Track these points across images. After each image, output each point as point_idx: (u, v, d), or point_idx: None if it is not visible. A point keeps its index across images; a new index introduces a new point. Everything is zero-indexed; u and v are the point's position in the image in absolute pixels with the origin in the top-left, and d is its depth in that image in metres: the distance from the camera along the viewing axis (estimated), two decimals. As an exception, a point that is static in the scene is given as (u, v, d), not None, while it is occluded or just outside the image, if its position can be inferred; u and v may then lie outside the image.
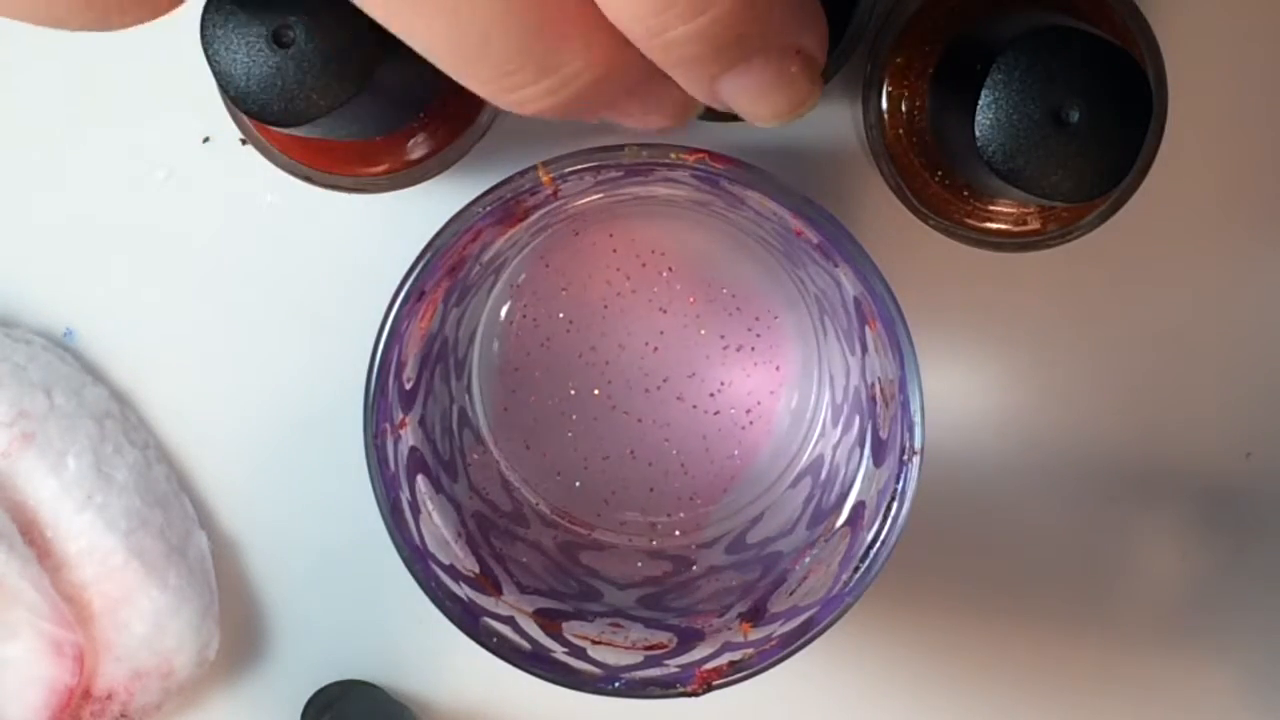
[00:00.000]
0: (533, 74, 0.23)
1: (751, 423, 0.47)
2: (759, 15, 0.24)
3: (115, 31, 0.27)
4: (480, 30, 0.22)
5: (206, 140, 0.48)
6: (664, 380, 0.47)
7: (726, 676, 0.38)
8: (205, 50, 0.37)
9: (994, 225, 0.44)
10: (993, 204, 0.43)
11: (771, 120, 0.27)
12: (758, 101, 0.26)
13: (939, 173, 0.43)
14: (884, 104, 0.43)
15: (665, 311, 0.47)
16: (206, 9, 0.37)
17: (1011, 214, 0.44)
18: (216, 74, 0.37)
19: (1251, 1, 0.47)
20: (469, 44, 0.23)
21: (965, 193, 0.43)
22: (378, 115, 0.40)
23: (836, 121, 0.47)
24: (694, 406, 0.47)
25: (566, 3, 0.23)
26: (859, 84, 0.44)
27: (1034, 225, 0.44)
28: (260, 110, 0.37)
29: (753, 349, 0.47)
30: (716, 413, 0.47)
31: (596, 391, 0.47)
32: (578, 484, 0.47)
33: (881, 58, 0.43)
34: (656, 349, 0.47)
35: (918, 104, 0.43)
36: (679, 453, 0.47)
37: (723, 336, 0.47)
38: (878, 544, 0.38)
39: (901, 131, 0.43)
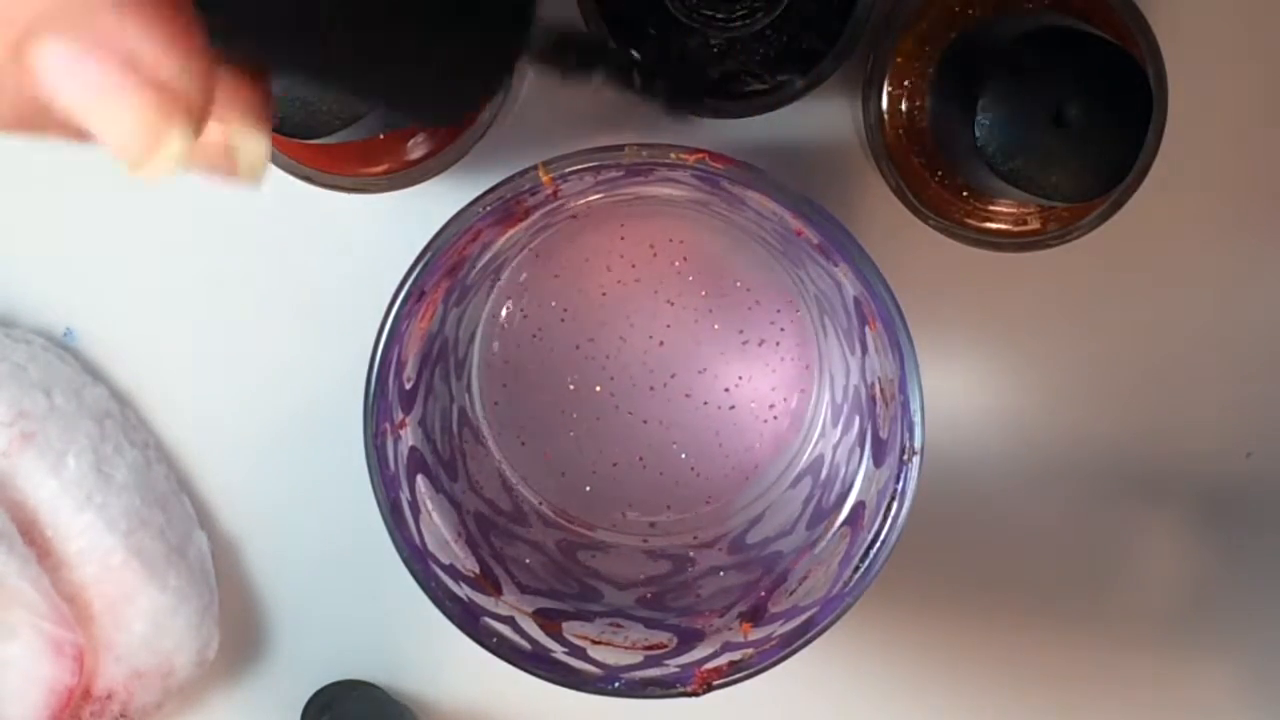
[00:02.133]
0: None
1: (775, 417, 0.47)
2: None
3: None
4: None
5: (206, 140, 0.48)
6: (671, 376, 0.47)
7: (726, 676, 0.38)
8: None
9: (994, 225, 0.44)
10: (993, 204, 0.43)
11: (126, 154, 0.20)
12: (89, 115, 0.20)
13: (939, 173, 0.43)
14: (884, 104, 0.43)
15: (673, 304, 0.46)
16: None
17: (1011, 214, 0.44)
18: None
19: (1251, 2, 0.47)
20: None
21: (965, 193, 0.43)
22: (385, 118, 0.40)
23: (836, 121, 0.47)
24: (705, 402, 0.47)
25: None
26: (859, 84, 0.44)
27: (1034, 225, 0.44)
28: (280, 123, 0.37)
29: (777, 343, 0.47)
30: (733, 407, 0.47)
31: (598, 388, 0.47)
32: (588, 488, 0.47)
33: (881, 58, 0.43)
34: (663, 343, 0.47)
35: (918, 104, 0.43)
36: (688, 455, 0.47)
37: (741, 331, 0.47)
38: (878, 544, 0.38)
39: (901, 131, 0.43)
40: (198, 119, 0.20)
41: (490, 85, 0.27)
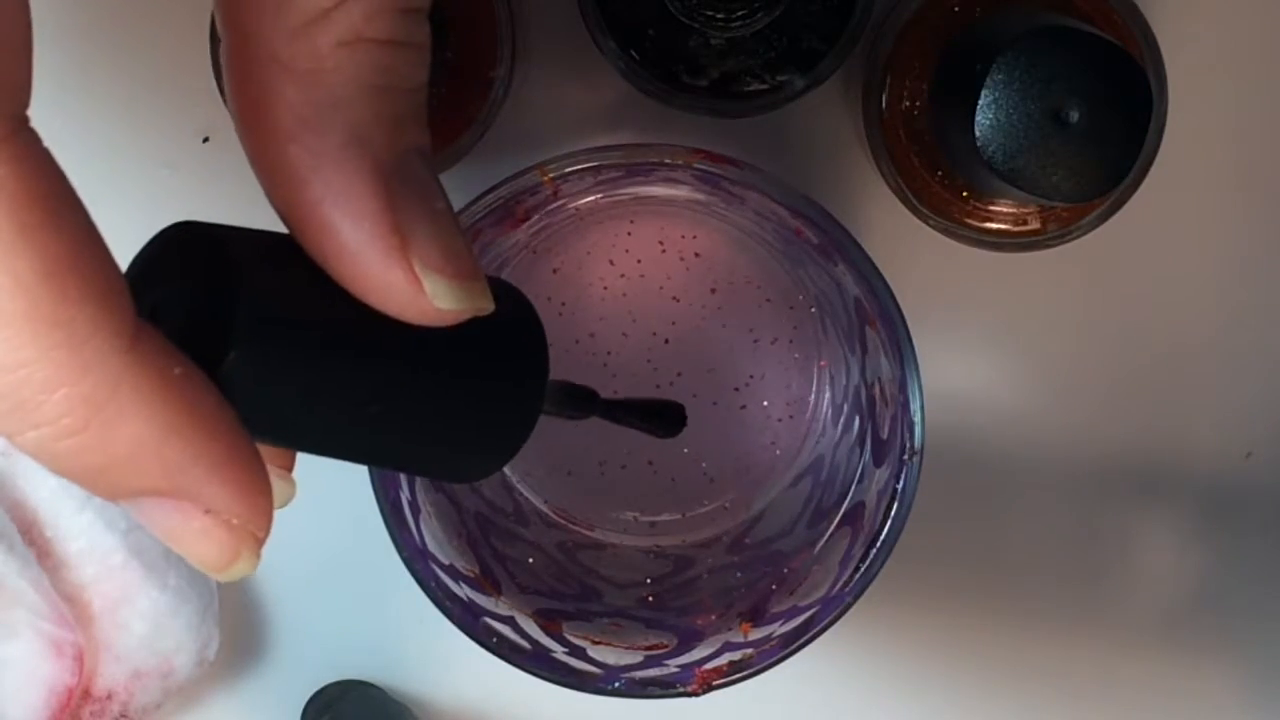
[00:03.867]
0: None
1: (780, 419, 0.47)
2: (119, 454, 0.21)
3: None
4: None
5: (206, 140, 0.48)
6: (677, 375, 0.46)
7: (726, 676, 0.38)
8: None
9: (994, 225, 0.44)
10: (993, 204, 0.43)
11: (205, 569, 0.24)
12: (173, 543, 0.23)
13: (939, 173, 0.43)
14: (884, 104, 0.43)
15: (678, 301, 0.46)
16: None
17: (1011, 214, 0.44)
18: None
19: (1251, 2, 0.47)
20: None
21: (965, 193, 0.43)
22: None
23: (836, 121, 0.47)
24: (714, 403, 0.47)
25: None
26: (859, 84, 0.44)
27: (1034, 225, 0.44)
28: None
29: (790, 341, 0.46)
30: (743, 407, 0.47)
31: (600, 387, 0.47)
32: (589, 488, 0.47)
33: (881, 58, 0.43)
34: (668, 341, 0.46)
35: (918, 104, 0.43)
36: (695, 456, 0.47)
37: (751, 330, 0.46)
38: (878, 544, 0.38)
39: (901, 131, 0.43)
40: (264, 539, 0.25)
41: (511, 447, 0.28)
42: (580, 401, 0.34)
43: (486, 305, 0.25)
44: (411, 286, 0.24)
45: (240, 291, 0.23)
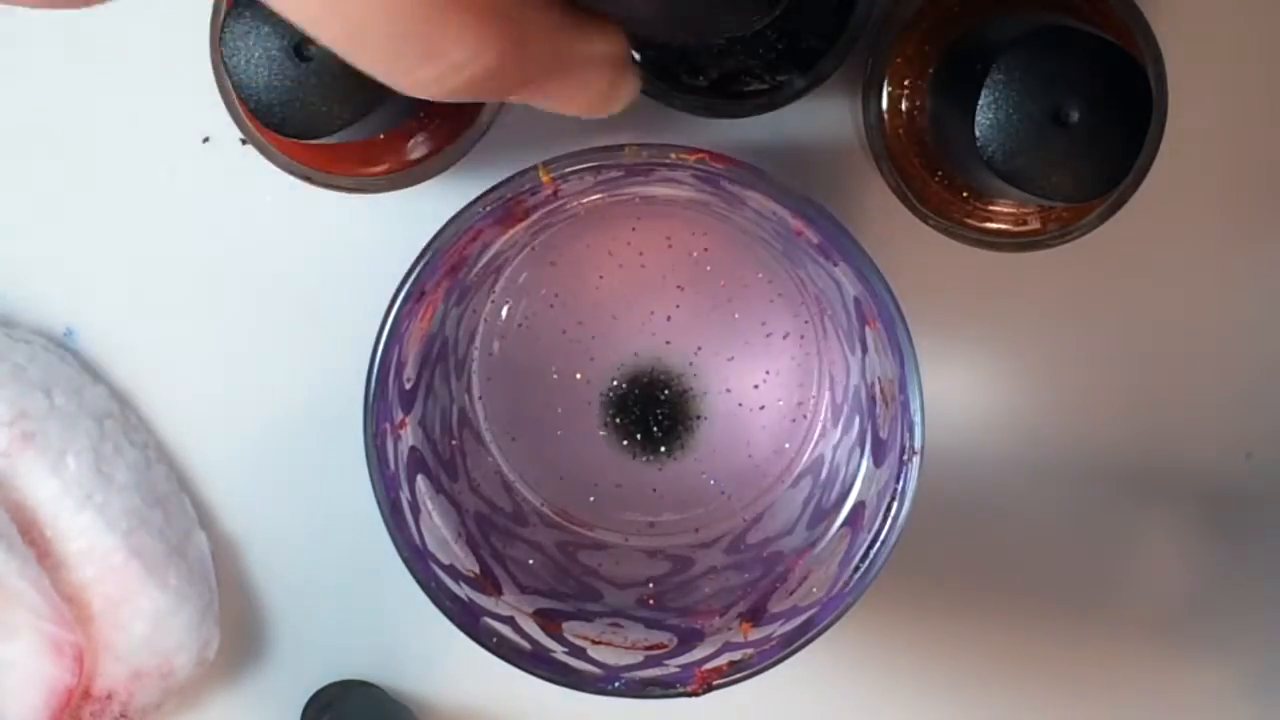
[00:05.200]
0: (416, 60, 0.24)
1: (791, 416, 0.47)
2: (524, 57, 0.24)
3: (82, 9, 0.27)
4: (359, 19, 0.23)
5: (206, 140, 0.48)
6: (678, 374, 0.47)
7: (726, 676, 0.38)
8: (225, 62, 0.37)
9: (994, 225, 0.44)
10: (993, 204, 0.43)
11: (591, 112, 0.27)
12: (568, 104, 0.27)
13: (939, 173, 0.43)
14: (884, 104, 0.43)
15: (681, 298, 0.46)
16: (227, 21, 0.37)
17: (1011, 214, 0.44)
18: (236, 86, 0.37)
19: (1251, 2, 0.47)
20: (349, 32, 0.24)
21: (965, 193, 0.43)
22: (384, 117, 0.40)
23: (837, 121, 0.47)
24: (714, 403, 0.47)
25: None
26: (859, 84, 0.44)
27: (1034, 225, 0.44)
28: (281, 124, 0.37)
29: (790, 341, 0.46)
30: (740, 405, 0.47)
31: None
32: (588, 488, 0.47)
33: (881, 58, 0.43)
34: (669, 342, 0.46)
35: (918, 104, 0.43)
36: (700, 461, 0.47)
37: (764, 323, 0.46)
38: (878, 544, 0.38)
39: (901, 131, 0.43)
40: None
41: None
42: None
43: None
44: None
45: None
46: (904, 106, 0.43)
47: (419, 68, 0.24)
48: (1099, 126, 0.38)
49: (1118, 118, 0.38)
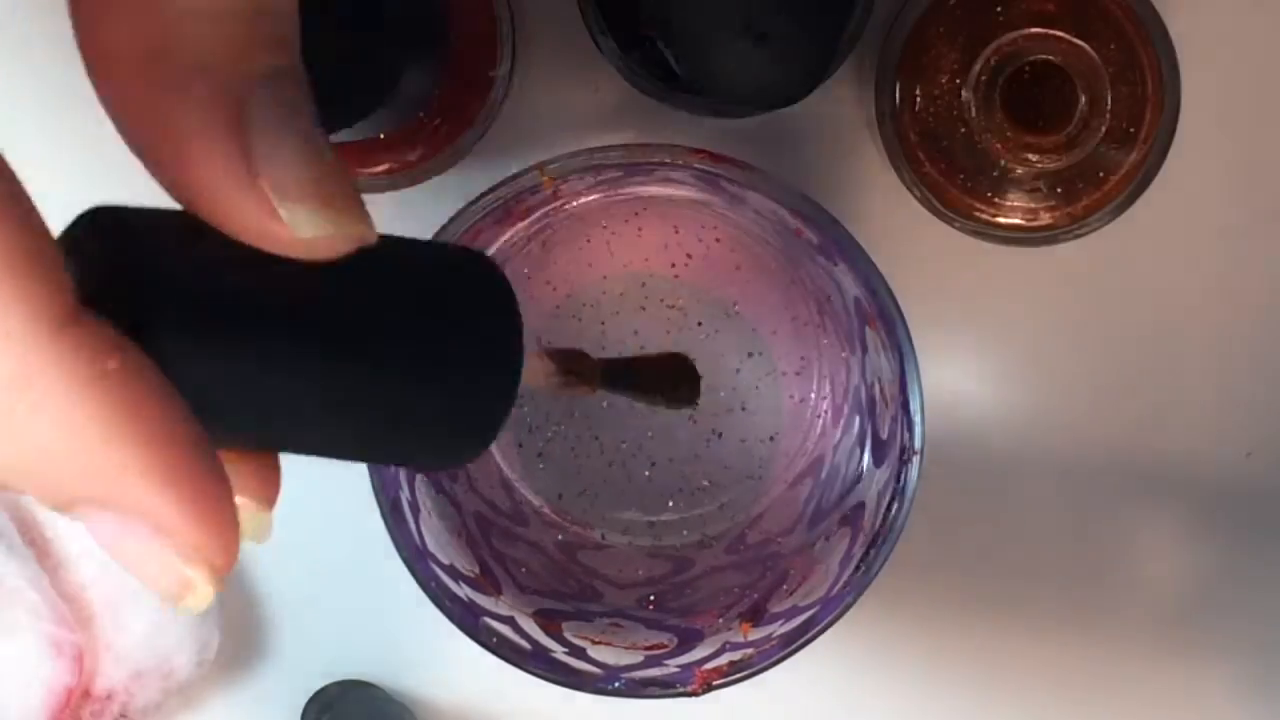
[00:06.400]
0: None
1: (791, 416, 0.47)
2: (39, 450, 0.19)
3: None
4: None
5: (206, 140, 0.48)
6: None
7: (726, 676, 0.38)
8: None
9: (1006, 220, 0.44)
10: (1005, 199, 0.43)
11: (158, 596, 0.22)
12: (122, 564, 0.21)
13: (961, 176, 0.43)
14: (897, 102, 0.43)
15: (682, 305, 0.46)
16: None
17: (1023, 209, 0.44)
18: None
19: (1266, 3, 0.47)
20: None
21: (978, 187, 0.43)
22: (384, 117, 0.40)
23: (838, 121, 0.47)
24: (714, 404, 0.46)
25: None
26: (870, 81, 0.44)
27: (1046, 220, 0.44)
28: None
29: (790, 341, 0.46)
30: (743, 407, 0.47)
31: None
32: (588, 488, 0.47)
33: (892, 56, 0.43)
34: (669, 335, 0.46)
35: (932, 99, 0.43)
36: (700, 461, 0.47)
37: (764, 323, 0.46)
38: (878, 544, 0.38)
39: (913, 131, 0.43)
40: (221, 569, 0.22)
41: (485, 436, 0.26)
42: (571, 362, 0.30)
43: (362, 231, 0.22)
44: (264, 213, 0.21)
45: (143, 271, 0.21)
46: (917, 105, 0.43)
47: None
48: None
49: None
